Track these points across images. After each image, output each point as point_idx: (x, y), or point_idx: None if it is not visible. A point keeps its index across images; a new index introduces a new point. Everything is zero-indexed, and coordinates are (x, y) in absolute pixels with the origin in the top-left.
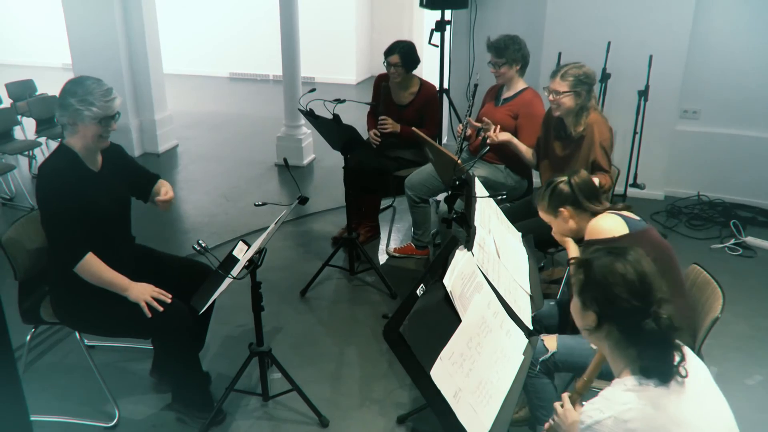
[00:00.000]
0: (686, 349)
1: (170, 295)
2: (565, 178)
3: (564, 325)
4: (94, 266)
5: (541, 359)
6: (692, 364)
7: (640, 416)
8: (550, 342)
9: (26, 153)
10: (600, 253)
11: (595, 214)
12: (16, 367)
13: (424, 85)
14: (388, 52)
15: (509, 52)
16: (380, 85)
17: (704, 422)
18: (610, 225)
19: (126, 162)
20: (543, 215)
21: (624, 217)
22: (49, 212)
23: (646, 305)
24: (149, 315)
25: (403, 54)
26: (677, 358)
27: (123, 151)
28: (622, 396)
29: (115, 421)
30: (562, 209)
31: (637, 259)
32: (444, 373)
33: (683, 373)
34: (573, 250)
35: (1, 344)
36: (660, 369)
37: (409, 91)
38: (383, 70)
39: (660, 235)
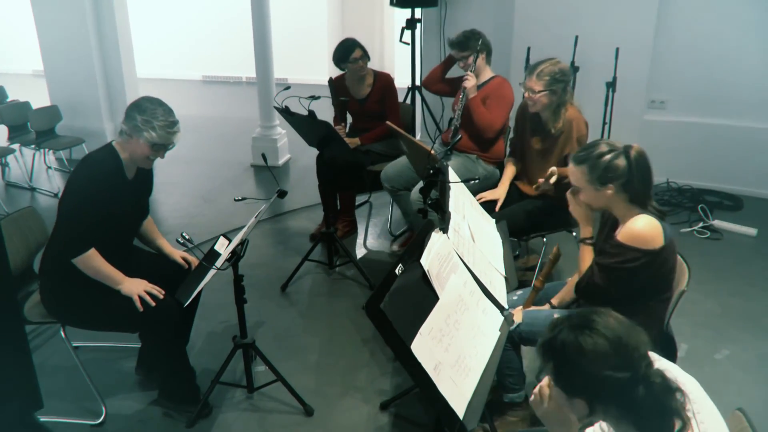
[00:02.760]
0: (691, 394)
1: (163, 291)
2: (620, 148)
3: None
4: (93, 260)
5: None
6: (701, 409)
7: None
8: (516, 315)
9: None
10: (560, 330)
11: (634, 202)
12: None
13: (378, 74)
14: (349, 51)
15: (471, 43)
16: (337, 86)
17: None
18: (650, 233)
19: (150, 184)
20: (581, 182)
21: (661, 221)
22: (74, 200)
23: (634, 372)
24: (141, 309)
25: (361, 45)
26: (678, 425)
27: (153, 173)
28: None
29: (102, 418)
30: (611, 185)
31: (605, 323)
32: (424, 347)
33: None
34: (590, 230)
35: (17, 342)
36: None
37: (366, 83)
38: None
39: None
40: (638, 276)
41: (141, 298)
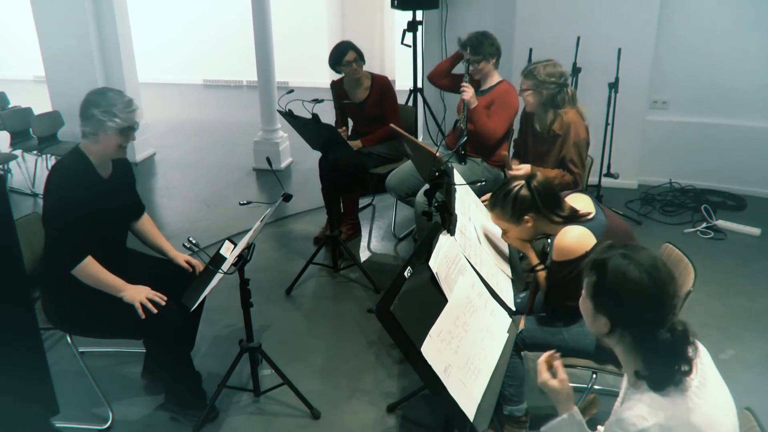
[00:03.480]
0: (700, 350)
1: (165, 297)
2: (522, 183)
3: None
4: (92, 269)
5: None
6: (703, 362)
7: (681, 423)
8: (520, 321)
9: (0, 166)
10: (614, 254)
11: (554, 223)
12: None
13: (375, 77)
14: (342, 54)
15: (485, 47)
16: (338, 89)
17: (725, 419)
18: (577, 242)
19: (131, 178)
20: (502, 223)
21: (586, 223)
22: (55, 210)
23: (662, 315)
24: (143, 316)
25: (355, 48)
26: (684, 368)
27: (130, 166)
28: (662, 402)
29: (108, 423)
30: (526, 217)
31: (653, 263)
32: (434, 349)
33: (678, 380)
34: (534, 258)
35: (34, 347)
36: (656, 377)
37: (363, 86)
38: None
39: (619, 218)
40: (572, 276)
41: (143, 306)
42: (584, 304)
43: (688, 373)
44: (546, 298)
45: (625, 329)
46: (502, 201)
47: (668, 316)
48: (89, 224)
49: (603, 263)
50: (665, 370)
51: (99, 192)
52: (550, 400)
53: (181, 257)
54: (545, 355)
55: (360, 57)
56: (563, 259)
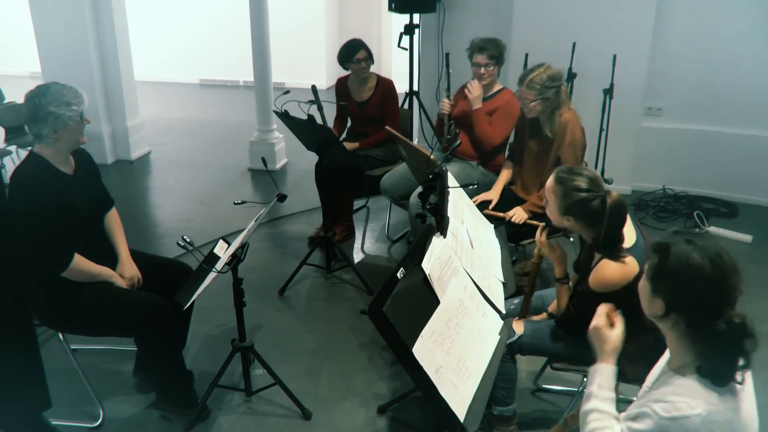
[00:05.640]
0: None
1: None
2: (601, 191)
3: None
4: (81, 266)
5: (508, 341)
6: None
7: (723, 419)
8: (517, 325)
9: None
10: (679, 239)
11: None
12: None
13: (381, 78)
14: (353, 51)
15: (501, 52)
16: (340, 87)
17: (755, 424)
18: (621, 274)
19: (95, 169)
20: (551, 197)
21: (630, 250)
22: (29, 218)
23: (720, 305)
24: (129, 287)
25: (366, 47)
26: (741, 362)
27: (92, 159)
28: (709, 395)
29: (99, 421)
30: (570, 216)
31: (718, 252)
32: (426, 350)
33: (739, 379)
34: (561, 271)
35: (29, 343)
36: (719, 372)
37: (368, 86)
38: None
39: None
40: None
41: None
42: (642, 288)
43: (746, 367)
44: (566, 322)
45: (680, 315)
46: (569, 190)
47: (726, 308)
48: (66, 221)
49: (666, 247)
50: (725, 363)
51: (68, 188)
52: (594, 348)
53: (127, 271)
54: (607, 306)
55: (370, 56)
56: (605, 291)
